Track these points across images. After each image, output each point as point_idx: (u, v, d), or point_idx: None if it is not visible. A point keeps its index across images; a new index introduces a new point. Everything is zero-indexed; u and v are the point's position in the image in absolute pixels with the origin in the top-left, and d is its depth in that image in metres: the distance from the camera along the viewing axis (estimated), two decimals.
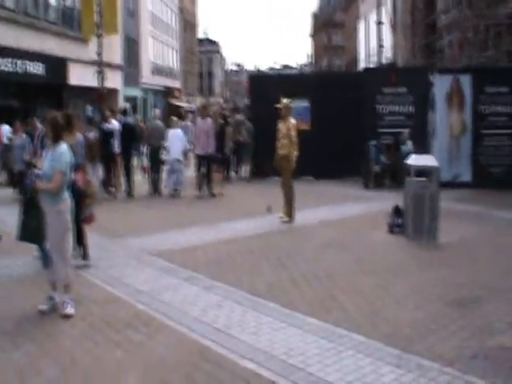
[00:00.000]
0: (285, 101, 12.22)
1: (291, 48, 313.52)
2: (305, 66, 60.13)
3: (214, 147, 16.01)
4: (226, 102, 73.10)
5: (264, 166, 18.87)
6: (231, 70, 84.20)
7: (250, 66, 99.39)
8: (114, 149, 15.67)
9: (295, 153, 11.92)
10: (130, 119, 18.96)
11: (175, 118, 18.02)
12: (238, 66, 78.94)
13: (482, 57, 24.54)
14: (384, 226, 11.41)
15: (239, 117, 21.23)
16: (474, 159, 17.89)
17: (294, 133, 11.88)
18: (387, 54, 43.22)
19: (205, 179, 16.11)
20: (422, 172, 10.83)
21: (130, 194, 16.05)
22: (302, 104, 18.92)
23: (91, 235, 9.15)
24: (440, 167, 17.47)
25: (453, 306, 6.98)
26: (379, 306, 7.00)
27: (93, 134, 14.64)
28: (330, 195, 15.69)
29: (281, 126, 12.17)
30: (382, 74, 19.70)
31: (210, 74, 73.93)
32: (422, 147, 18.06)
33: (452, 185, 17.20)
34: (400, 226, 11.10)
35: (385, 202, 14.42)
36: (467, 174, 17.79)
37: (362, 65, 48.48)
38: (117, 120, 16.54)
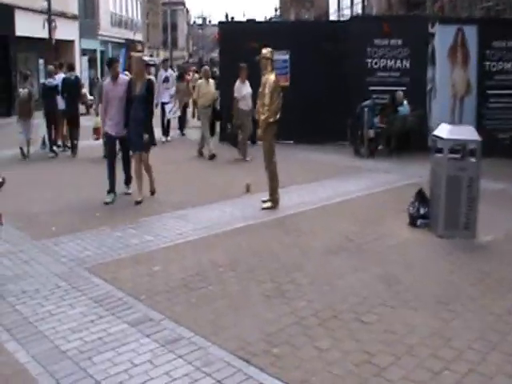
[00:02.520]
0: (264, 51, 9.13)
1: (257, 1, 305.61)
2: (272, 19, 56.48)
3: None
4: (191, 57, 69.28)
5: (233, 129, 15.87)
6: (195, 23, 79.70)
7: (214, 20, 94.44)
8: (56, 106, 14.44)
9: (272, 118, 8.86)
10: (76, 74, 15.96)
11: None
12: (203, 19, 74.60)
13: (480, 8, 21.34)
14: (400, 212, 8.57)
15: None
16: (479, 123, 14.91)
17: (270, 92, 8.82)
18: (360, 7, 39.84)
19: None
20: (457, 148, 7.87)
21: (72, 152, 14.63)
22: (281, 57, 15.74)
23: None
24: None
25: None
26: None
27: (24, 91, 13.62)
28: (318, 166, 12.65)
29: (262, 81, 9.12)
30: (373, 23, 16.54)
31: (174, 27, 69.54)
32: (420, 108, 15.28)
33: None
34: (425, 216, 8.15)
35: (388, 175, 11.70)
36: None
37: (332, 18, 45.03)
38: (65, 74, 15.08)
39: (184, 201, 9.30)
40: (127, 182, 9.94)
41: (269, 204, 8.94)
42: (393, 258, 6.78)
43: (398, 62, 15.71)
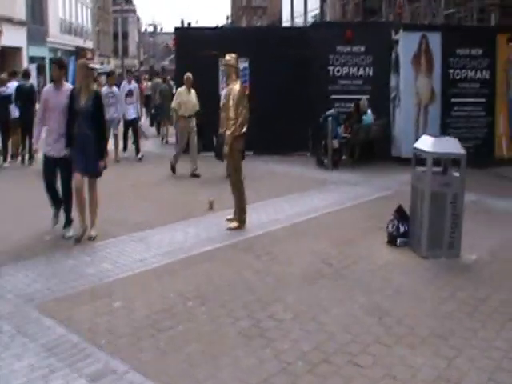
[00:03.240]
0: (228, 57, 8.40)
1: (209, 10, 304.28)
2: (223, 27, 55.63)
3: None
4: (142, 65, 68.08)
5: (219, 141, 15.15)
6: (146, 31, 78.44)
7: (166, 28, 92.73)
8: (9, 115, 13.92)
9: (237, 132, 8.12)
10: (31, 82, 15.22)
11: None
12: (154, 26, 73.30)
13: (441, 15, 21.03)
14: (375, 230, 8.14)
15: (158, 80, 21.02)
16: (443, 132, 14.52)
17: (235, 104, 8.06)
18: (313, 15, 39.53)
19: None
20: (441, 161, 7.33)
21: (28, 160, 13.88)
22: (240, 64, 14.92)
23: None
24: (402, 139, 14.83)
25: None
26: None
27: None
28: (281, 179, 12.02)
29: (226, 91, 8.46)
30: (335, 29, 16.03)
31: (125, 35, 68.20)
32: (383, 117, 14.83)
33: (418, 162, 13.98)
34: (404, 235, 7.57)
35: (355, 188, 11.17)
36: None
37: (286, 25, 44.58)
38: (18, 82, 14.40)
39: (142, 221, 8.51)
40: (68, 222, 7.79)
41: (235, 224, 8.23)
42: (377, 286, 6.15)
43: (361, 69, 15.35)
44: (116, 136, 14.57)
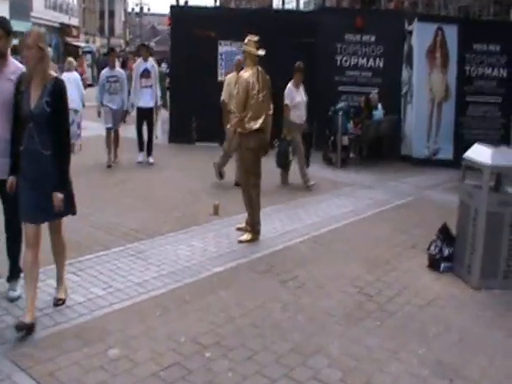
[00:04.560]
0: (245, 40, 7.06)
1: None
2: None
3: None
4: (127, 45, 66.14)
5: (190, 127, 13.87)
6: (133, 11, 76.35)
7: (153, 9, 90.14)
8: None
9: (248, 125, 6.87)
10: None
11: (71, 59, 12.88)
12: (141, 7, 71.17)
13: (455, 8, 19.70)
14: (409, 248, 7.01)
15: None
16: (456, 132, 13.39)
17: (240, 95, 6.85)
18: (306, 0, 38.09)
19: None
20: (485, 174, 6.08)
21: None
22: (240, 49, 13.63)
23: None
24: (413, 138, 13.64)
25: None
26: None
27: None
28: (290, 179, 10.61)
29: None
30: (345, 16, 14.74)
31: (111, 14, 66.06)
32: (393, 113, 13.62)
33: (429, 163, 13.04)
34: (449, 258, 6.35)
35: (372, 192, 9.99)
36: (448, 149, 13.27)
37: None
38: None
39: (139, 228, 7.20)
40: (15, 274, 5.12)
41: (248, 236, 6.94)
42: (433, 329, 4.91)
43: (371, 60, 14.13)
44: (116, 132, 11.47)
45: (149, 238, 6.80)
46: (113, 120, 11.28)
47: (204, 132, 13.71)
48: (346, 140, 12.26)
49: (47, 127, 4.42)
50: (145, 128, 11.75)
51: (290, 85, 10.02)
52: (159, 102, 12.31)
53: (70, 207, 4.70)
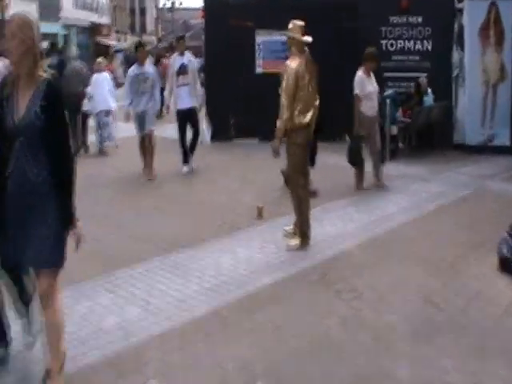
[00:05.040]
0: (293, 24, 6.54)
1: None
2: None
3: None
4: (160, 41, 66.13)
5: (227, 123, 13.46)
6: (164, 6, 76.38)
7: (185, 3, 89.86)
8: None
9: (298, 119, 6.41)
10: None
11: (100, 59, 12.69)
12: (172, 2, 71.21)
13: None
14: (477, 247, 6.43)
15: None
16: None
17: (286, 85, 6.34)
18: None
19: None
20: None
21: None
22: (279, 38, 12.90)
23: None
24: (466, 124, 13.02)
25: None
26: None
27: None
28: (332, 173, 9.92)
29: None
30: None
31: (142, 11, 66.04)
32: (444, 98, 12.96)
33: (484, 150, 12.26)
34: None
35: (427, 185, 9.61)
36: (505, 135, 12.57)
37: None
38: None
39: (176, 236, 6.79)
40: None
41: (296, 242, 6.46)
42: None
43: (418, 43, 13.38)
44: (149, 138, 10.22)
45: (189, 247, 6.38)
46: (143, 124, 10.13)
47: (242, 128, 13.29)
48: (395, 129, 11.69)
49: (41, 144, 3.45)
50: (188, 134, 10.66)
51: (359, 72, 9.18)
52: (200, 101, 11.02)
53: (59, 257, 3.56)
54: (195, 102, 10.43)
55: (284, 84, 6.38)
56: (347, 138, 9.24)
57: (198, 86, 10.82)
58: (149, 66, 10.47)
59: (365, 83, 9.13)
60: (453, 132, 13.08)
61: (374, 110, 9.27)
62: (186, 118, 10.35)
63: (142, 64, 10.16)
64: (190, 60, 10.52)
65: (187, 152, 10.45)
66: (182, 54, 10.48)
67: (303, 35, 6.44)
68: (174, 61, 10.58)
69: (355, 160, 9.19)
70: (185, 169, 10.42)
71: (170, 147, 11.16)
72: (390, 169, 10.53)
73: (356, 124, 9.07)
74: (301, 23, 6.49)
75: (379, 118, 9.59)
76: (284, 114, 6.32)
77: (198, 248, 6.38)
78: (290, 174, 6.71)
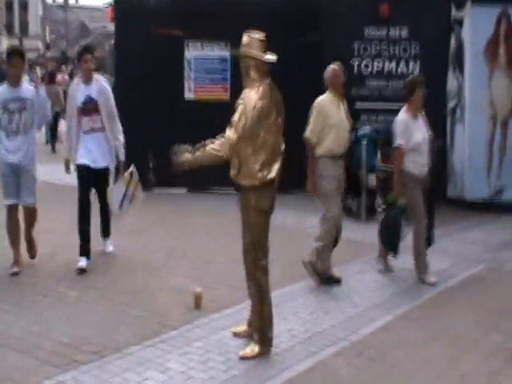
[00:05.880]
0: (244, 38, 6.16)
1: None
2: None
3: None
4: (48, 48, 65.83)
5: (146, 168, 13.15)
6: (54, 2, 76.30)
7: (83, 0, 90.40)
8: None
9: (261, 174, 6.06)
10: None
11: None
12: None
13: None
14: (503, 352, 6.26)
15: None
16: None
17: (246, 124, 5.91)
18: None
19: None
20: None
21: None
22: (217, 53, 13.91)
23: None
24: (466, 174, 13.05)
25: None
26: None
27: None
28: (295, 240, 9.95)
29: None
30: (364, 2, 14.17)
31: (24, 6, 65.80)
32: (436, 138, 12.94)
33: (490, 207, 12.83)
34: None
35: None
36: None
37: None
38: None
39: (84, 343, 6.20)
40: None
41: (254, 349, 5.99)
42: None
43: (402, 64, 13.88)
44: (29, 213, 8.55)
45: (92, 363, 5.77)
46: (18, 189, 8.38)
47: (166, 174, 12.91)
48: (372, 180, 11.81)
49: None
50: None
51: (403, 115, 8.56)
52: (121, 157, 9.15)
53: None
54: (110, 159, 9.00)
55: (239, 122, 5.89)
56: (379, 207, 8.77)
57: (118, 127, 9.14)
58: (27, 86, 8.57)
59: (410, 130, 8.52)
60: (447, 183, 13.19)
61: (422, 166, 8.67)
62: (92, 180, 8.85)
63: (15, 83, 8.31)
64: (102, 90, 8.86)
65: (87, 241, 8.77)
66: (88, 79, 8.83)
67: (265, 52, 6.07)
68: (76, 91, 8.92)
69: (395, 242, 8.52)
70: (81, 263, 8.56)
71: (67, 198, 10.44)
72: (367, 233, 10.47)
73: (395, 188, 8.53)
74: (260, 36, 6.13)
75: (428, 178, 8.90)
76: (225, 150, 5.88)
77: (102, 363, 5.75)
78: (248, 251, 6.21)
